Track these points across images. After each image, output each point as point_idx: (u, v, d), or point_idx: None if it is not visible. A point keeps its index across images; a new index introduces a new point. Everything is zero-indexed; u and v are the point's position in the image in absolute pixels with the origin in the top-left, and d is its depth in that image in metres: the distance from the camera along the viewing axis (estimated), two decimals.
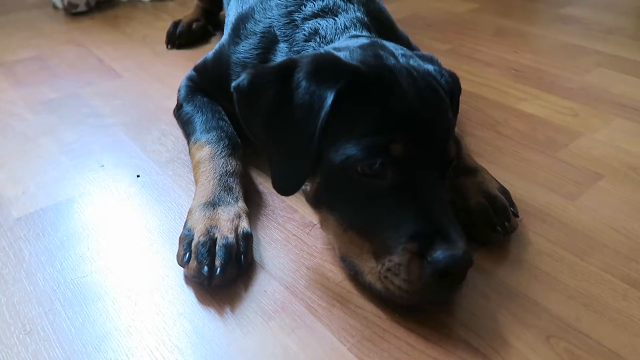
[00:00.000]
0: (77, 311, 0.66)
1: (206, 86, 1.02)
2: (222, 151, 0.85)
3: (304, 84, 0.66)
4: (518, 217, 0.77)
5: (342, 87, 0.65)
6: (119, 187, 0.90)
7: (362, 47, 0.72)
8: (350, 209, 0.67)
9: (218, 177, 0.80)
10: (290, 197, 0.85)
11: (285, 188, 0.71)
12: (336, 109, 0.65)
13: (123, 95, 1.22)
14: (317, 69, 0.67)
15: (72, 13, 1.79)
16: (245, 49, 0.89)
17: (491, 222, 0.74)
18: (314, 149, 0.66)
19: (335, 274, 0.71)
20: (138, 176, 0.92)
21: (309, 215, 0.81)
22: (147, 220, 0.82)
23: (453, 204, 0.75)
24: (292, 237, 0.78)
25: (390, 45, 0.74)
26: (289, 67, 0.69)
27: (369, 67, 0.67)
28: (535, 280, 0.70)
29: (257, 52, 0.88)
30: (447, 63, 1.36)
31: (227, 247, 0.69)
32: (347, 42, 0.76)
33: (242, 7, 0.96)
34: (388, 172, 0.64)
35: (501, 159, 0.96)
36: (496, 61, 1.37)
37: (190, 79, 1.05)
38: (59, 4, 1.84)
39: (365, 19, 0.86)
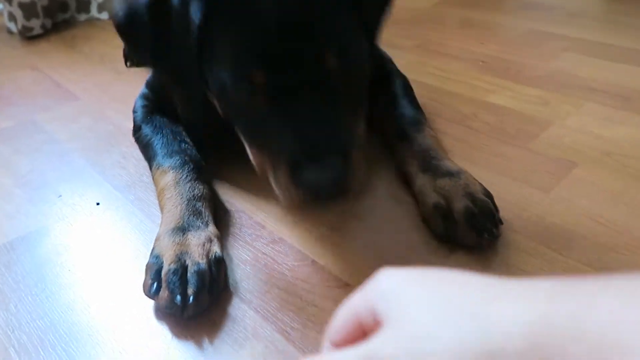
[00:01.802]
0: (33, 357, 0.61)
1: (162, 104, 0.97)
2: (187, 176, 0.81)
3: (175, 11, 0.67)
4: (502, 224, 0.73)
5: (204, 11, 0.65)
6: (78, 218, 0.85)
7: None
8: (245, 128, 0.72)
9: (186, 202, 0.76)
10: (257, 213, 0.82)
11: (188, 114, 0.75)
12: (207, 30, 0.65)
13: (81, 118, 1.17)
14: None
15: (28, 37, 1.73)
16: None
17: (478, 227, 0.70)
18: (197, 72, 0.68)
19: (308, 292, 0.68)
20: (98, 204, 0.88)
21: (278, 231, 0.78)
22: (108, 250, 0.78)
23: (437, 207, 0.72)
24: (262, 255, 0.75)
25: None
26: None
27: None
28: None
29: None
30: (415, 60, 1.35)
31: (200, 273, 0.65)
32: None
33: None
34: (260, 98, 0.65)
35: (472, 154, 0.94)
36: (463, 54, 1.36)
37: (145, 97, 1.00)
38: (13, 29, 1.78)
39: None
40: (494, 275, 0.30)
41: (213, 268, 0.67)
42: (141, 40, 0.70)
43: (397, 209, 0.81)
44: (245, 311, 0.66)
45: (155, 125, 0.94)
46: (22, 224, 0.85)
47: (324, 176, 0.62)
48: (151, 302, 0.66)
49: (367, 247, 0.74)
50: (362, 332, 0.37)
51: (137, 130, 0.97)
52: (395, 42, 1.47)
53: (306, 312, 0.65)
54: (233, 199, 0.86)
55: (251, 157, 0.74)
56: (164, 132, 0.92)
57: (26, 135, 1.11)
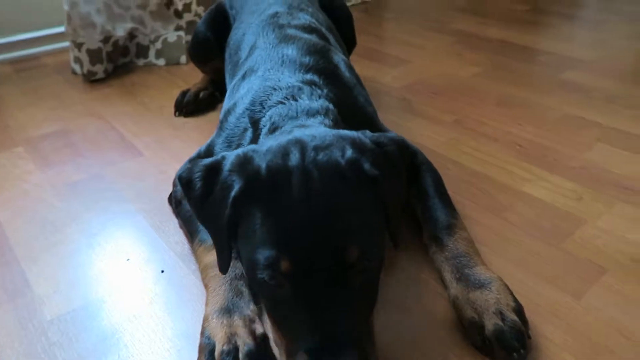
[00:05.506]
0: None
1: None
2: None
3: (221, 180, 0.74)
4: (530, 338, 0.79)
5: (240, 190, 0.71)
6: (145, 285, 0.94)
7: (279, 145, 0.75)
8: (267, 305, 0.72)
9: (229, 282, 0.85)
10: None
11: (219, 266, 0.77)
12: (240, 209, 0.71)
13: (145, 176, 1.28)
14: (230, 169, 0.73)
15: (91, 80, 1.87)
16: (227, 140, 0.98)
17: (507, 347, 0.76)
18: (226, 241, 0.72)
19: None
20: (162, 271, 0.97)
21: None
22: (173, 322, 0.86)
23: (471, 323, 0.80)
24: None
25: (308, 137, 0.75)
26: (216, 163, 0.76)
27: (268, 171, 0.71)
28: None
29: (235, 143, 0.97)
30: (454, 138, 1.43)
31: (250, 354, 0.74)
32: (278, 138, 0.79)
33: (228, 102, 1.06)
34: (284, 283, 0.67)
35: (507, 250, 1.00)
36: (501, 135, 1.43)
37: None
38: (77, 70, 1.93)
39: (325, 105, 0.92)
40: None
41: (260, 346, 0.76)
42: (194, 197, 0.77)
43: (439, 302, 0.88)
44: None
45: None
46: (96, 287, 0.94)
47: None
48: None
49: (410, 341, 0.81)
50: None
51: (177, 204, 1.06)
52: (435, 115, 1.56)
53: None
54: None
55: (271, 331, 0.75)
56: None
57: (96, 191, 1.22)
